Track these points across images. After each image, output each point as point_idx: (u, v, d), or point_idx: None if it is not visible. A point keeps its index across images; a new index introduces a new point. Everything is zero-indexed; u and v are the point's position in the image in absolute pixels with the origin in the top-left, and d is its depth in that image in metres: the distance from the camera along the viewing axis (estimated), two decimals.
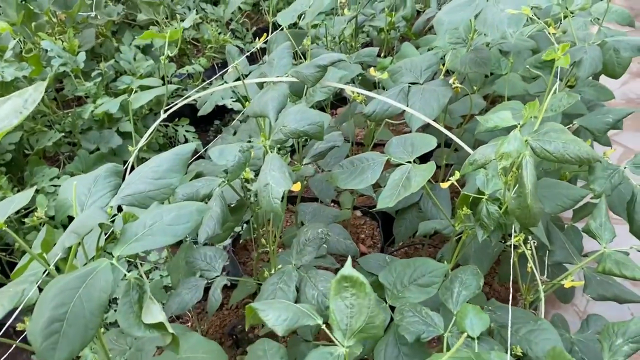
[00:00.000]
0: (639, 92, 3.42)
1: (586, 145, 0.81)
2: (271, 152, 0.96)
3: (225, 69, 1.77)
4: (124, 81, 2.48)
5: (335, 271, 1.63)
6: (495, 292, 1.78)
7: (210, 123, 3.08)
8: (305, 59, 1.56)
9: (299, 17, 1.48)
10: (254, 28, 3.51)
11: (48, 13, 2.54)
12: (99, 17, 2.76)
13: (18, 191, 1.98)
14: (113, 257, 0.68)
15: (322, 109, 2.48)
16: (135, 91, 1.30)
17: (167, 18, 3.22)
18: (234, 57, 1.74)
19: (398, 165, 1.03)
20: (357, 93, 1.54)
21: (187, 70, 2.86)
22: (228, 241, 2.11)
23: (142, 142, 1.29)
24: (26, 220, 1.86)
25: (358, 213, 2.03)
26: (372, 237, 1.98)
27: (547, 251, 1.20)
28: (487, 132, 1.36)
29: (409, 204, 1.53)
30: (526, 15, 1.11)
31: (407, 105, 1.36)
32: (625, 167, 1.22)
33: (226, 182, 1.02)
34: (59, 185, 2.01)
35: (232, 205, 1.22)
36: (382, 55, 2.20)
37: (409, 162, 1.03)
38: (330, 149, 1.27)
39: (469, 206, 1.04)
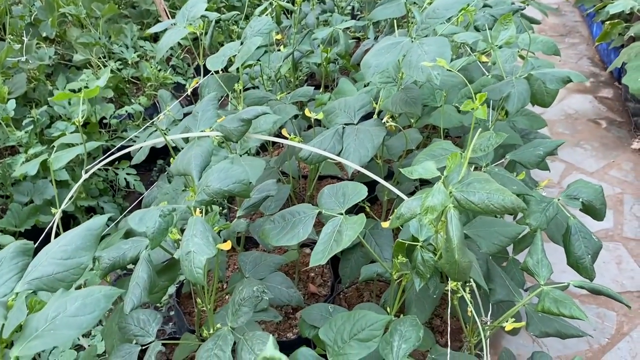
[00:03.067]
0: (576, 107, 3.52)
1: (511, 195, 0.80)
2: (195, 214, 0.92)
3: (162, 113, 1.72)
4: (59, 127, 2.40)
5: (278, 325, 1.57)
6: (445, 325, 1.76)
7: (153, 162, 3.01)
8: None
9: (229, 61, 1.45)
10: (196, 63, 3.47)
11: None
12: (29, 61, 2.67)
13: None
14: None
15: (264, 148, 2.45)
16: (56, 150, 1.23)
17: (103, 57, 3.15)
18: (166, 102, 1.70)
19: (330, 217, 1.00)
20: (293, 135, 1.51)
21: (126, 111, 2.79)
22: (172, 289, 2.04)
23: (64, 204, 1.22)
24: None
25: (307, 250, 2.00)
26: (322, 275, 1.95)
27: (489, 289, 1.18)
28: None
29: (353, 244, 1.50)
30: (449, 58, 1.11)
31: (342, 147, 1.35)
32: (559, 199, 1.23)
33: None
34: None
35: (164, 264, 1.17)
36: (322, 89, 2.19)
37: (341, 213, 1.00)
38: (265, 198, 1.23)
39: (405, 253, 1.02)
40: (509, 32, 1.32)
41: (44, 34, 3.15)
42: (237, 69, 1.43)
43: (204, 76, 1.62)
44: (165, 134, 1.60)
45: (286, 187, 1.58)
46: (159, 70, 3.12)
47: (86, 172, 1.20)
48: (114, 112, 2.80)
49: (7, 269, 0.78)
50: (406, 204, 0.85)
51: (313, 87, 1.74)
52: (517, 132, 1.57)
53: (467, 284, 1.07)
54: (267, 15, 1.64)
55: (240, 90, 1.46)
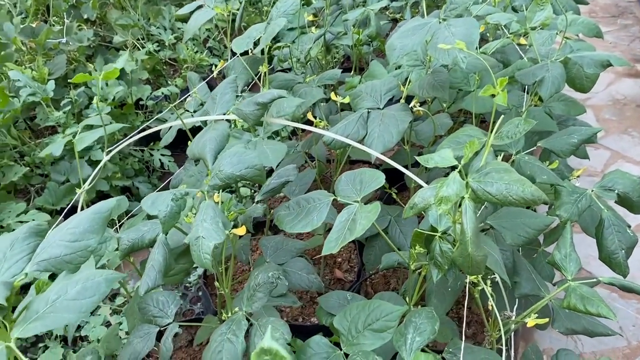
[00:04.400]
0: (625, 92, 3.36)
1: (531, 185, 0.75)
2: (208, 199, 0.91)
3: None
4: (95, 108, 2.44)
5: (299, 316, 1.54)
6: (475, 315, 1.72)
7: (187, 144, 3.03)
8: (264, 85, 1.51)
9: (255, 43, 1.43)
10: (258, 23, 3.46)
11: (16, 41, 2.50)
12: (70, 43, 2.72)
13: None
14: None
15: (294, 132, 2.43)
16: (81, 131, 1.25)
17: (142, 39, 3.18)
18: (195, 84, 1.70)
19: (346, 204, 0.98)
20: (319, 119, 1.49)
21: (162, 92, 2.82)
22: (200, 270, 2.06)
23: (87, 185, 1.23)
24: None
25: None
26: (348, 261, 1.93)
27: (515, 282, 1.14)
28: None
29: (377, 231, 1.47)
30: (477, 41, 1.06)
31: (366, 132, 1.32)
32: (592, 190, 1.17)
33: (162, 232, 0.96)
34: (26, 221, 1.97)
35: (183, 246, 1.17)
36: (354, 72, 2.15)
37: (357, 201, 0.97)
38: (284, 184, 1.21)
39: (423, 243, 0.99)
40: (545, 13, 1.25)
41: (85, 16, 3.20)
42: (262, 50, 1.41)
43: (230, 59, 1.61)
44: (192, 115, 1.59)
45: (311, 172, 1.56)
46: (196, 52, 3.13)
47: (108, 154, 1.20)
48: (151, 93, 2.83)
49: (18, 249, 0.79)
50: (420, 193, 0.81)
51: (341, 70, 1.70)
52: (553, 118, 1.49)
53: (489, 277, 1.03)
54: None
55: (265, 73, 1.44)
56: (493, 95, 0.94)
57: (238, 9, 1.65)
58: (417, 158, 0.83)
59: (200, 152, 0.98)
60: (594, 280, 1.03)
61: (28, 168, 2.12)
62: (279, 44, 1.77)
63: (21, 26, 2.47)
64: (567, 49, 1.38)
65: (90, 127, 1.29)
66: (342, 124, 1.33)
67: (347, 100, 1.45)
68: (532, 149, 1.25)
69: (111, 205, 0.79)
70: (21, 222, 1.93)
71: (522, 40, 1.61)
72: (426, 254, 0.99)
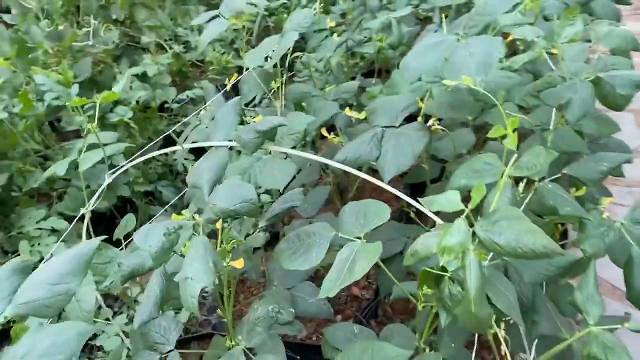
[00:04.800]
0: None
1: (543, 237, 0.68)
2: (202, 232, 0.87)
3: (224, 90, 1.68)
4: (118, 112, 2.43)
5: (298, 345, 1.49)
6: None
7: None
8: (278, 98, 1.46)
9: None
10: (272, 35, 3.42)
11: (42, 45, 2.51)
12: (96, 45, 2.72)
13: (3, 236, 1.95)
14: None
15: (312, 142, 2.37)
16: (86, 150, 1.22)
17: (169, 40, 3.17)
18: (210, 95, 1.66)
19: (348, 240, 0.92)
20: (333, 136, 1.43)
21: (187, 95, 2.80)
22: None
23: (91, 206, 1.20)
24: None
25: None
26: (367, 277, 1.87)
27: (533, 321, 1.06)
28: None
29: (393, 253, 1.41)
30: (496, 62, 0.99)
31: (380, 153, 1.25)
32: (622, 223, 1.08)
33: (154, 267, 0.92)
34: (44, 229, 1.97)
35: None
36: (375, 79, 2.08)
37: (359, 237, 0.91)
38: (289, 209, 1.16)
39: (432, 283, 0.92)
40: (575, 29, 1.16)
41: (114, 16, 3.21)
42: (275, 64, 1.36)
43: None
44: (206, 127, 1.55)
45: (325, 188, 1.50)
46: (222, 53, 3.10)
47: (112, 174, 1.17)
48: (176, 96, 2.81)
49: (0, 288, 0.76)
50: (422, 240, 0.75)
51: (364, 76, 1.64)
52: (584, 137, 1.40)
53: (503, 319, 0.95)
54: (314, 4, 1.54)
55: (278, 87, 1.39)
56: (504, 137, 0.87)
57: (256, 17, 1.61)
58: (420, 200, 0.77)
59: (197, 182, 0.93)
60: (618, 324, 0.95)
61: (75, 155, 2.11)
62: (296, 54, 1.72)
63: (47, 30, 2.48)
64: (599, 64, 1.28)
65: (96, 146, 1.26)
66: (354, 143, 1.27)
67: (362, 115, 1.39)
68: (557, 176, 1.16)
69: (94, 246, 0.75)
70: (40, 228, 1.94)
71: (555, 50, 1.51)
72: (435, 294, 0.93)
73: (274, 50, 1.33)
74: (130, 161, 1.28)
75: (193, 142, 1.08)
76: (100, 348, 1.87)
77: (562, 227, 1.28)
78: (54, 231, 1.97)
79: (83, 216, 2.06)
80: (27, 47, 2.51)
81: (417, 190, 2.00)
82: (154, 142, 1.30)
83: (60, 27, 2.76)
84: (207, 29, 1.47)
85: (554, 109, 1.41)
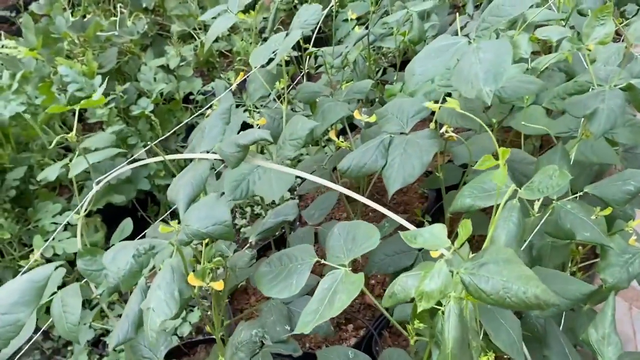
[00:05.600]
0: None
1: (537, 285, 0.58)
2: (174, 255, 0.81)
3: None
4: (141, 104, 2.41)
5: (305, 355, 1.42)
6: None
7: None
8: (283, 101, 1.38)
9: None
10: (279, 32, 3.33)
11: (67, 35, 2.50)
12: (122, 35, 2.70)
13: (21, 229, 1.95)
14: None
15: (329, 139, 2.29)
16: (78, 155, 1.18)
17: (199, 29, 3.12)
18: (220, 93, 1.60)
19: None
20: (342, 139, 1.36)
21: (212, 87, 2.75)
22: None
23: (83, 212, 1.17)
24: (21, 262, 1.83)
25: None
26: (382, 284, 1.79)
27: (544, 356, 0.96)
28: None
29: (402, 267, 1.32)
30: (508, 70, 0.88)
31: (386, 162, 1.17)
32: None
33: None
34: (60, 223, 1.97)
35: None
36: (397, 75, 1.97)
37: (343, 265, 0.84)
38: (282, 223, 1.09)
39: (426, 317, 0.84)
40: (605, 30, 1.04)
41: (144, 5, 3.19)
42: (280, 65, 1.28)
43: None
44: None
45: (333, 194, 1.42)
46: (250, 43, 3.03)
47: (97, 183, 1.13)
48: (202, 86, 2.77)
49: None
50: (401, 281, 0.67)
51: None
52: (616, 146, 1.27)
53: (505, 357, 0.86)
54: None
55: (283, 88, 1.31)
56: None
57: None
58: (401, 234, 0.68)
59: (175, 198, 0.87)
60: None
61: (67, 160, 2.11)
62: (310, 50, 1.63)
63: (71, 20, 2.47)
64: (636, 67, 1.16)
65: (90, 150, 1.22)
66: (360, 150, 1.19)
67: (373, 119, 1.30)
68: (580, 194, 1.04)
69: (47, 274, 0.70)
70: (55, 223, 1.93)
71: (591, 46, 1.38)
72: (429, 329, 0.84)
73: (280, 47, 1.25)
74: (111, 173, 1.23)
75: (179, 154, 1.01)
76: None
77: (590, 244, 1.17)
78: (69, 226, 1.97)
79: (96, 211, 2.05)
80: (53, 38, 2.50)
81: (435, 196, 1.90)
82: (122, 165, 1.24)
83: (88, 16, 2.75)
84: (213, 25, 1.40)
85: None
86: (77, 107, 1.03)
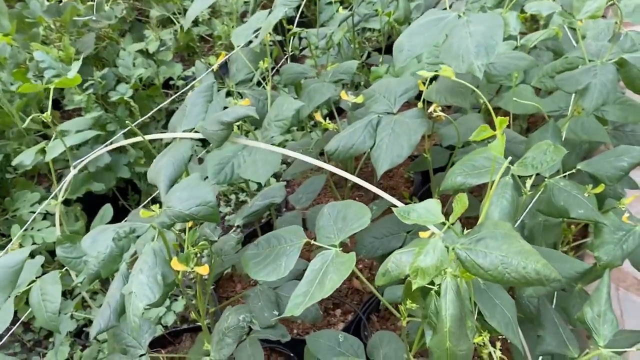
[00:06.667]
0: None
1: (537, 260, 0.56)
2: (155, 239, 0.77)
3: None
4: (120, 90, 2.35)
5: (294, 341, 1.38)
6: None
7: None
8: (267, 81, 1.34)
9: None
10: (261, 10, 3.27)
11: (42, 20, 2.42)
12: (100, 20, 2.63)
13: None
14: None
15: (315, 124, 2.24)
16: (54, 138, 1.13)
17: (178, 13, 3.05)
18: (201, 74, 1.55)
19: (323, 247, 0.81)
20: (328, 121, 1.33)
21: (192, 72, 2.70)
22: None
23: (61, 197, 1.12)
24: None
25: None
26: (370, 269, 1.77)
27: (538, 336, 0.95)
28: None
29: (391, 250, 1.29)
30: (500, 43, 0.85)
31: (374, 143, 1.14)
32: None
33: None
34: (38, 212, 1.91)
35: None
36: (382, 57, 1.94)
37: (334, 245, 0.81)
38: (269, 206, 1.06)
39: (418, 297, 0.81)
40: (597, 3, 1.01)
41: None
42: (263, 41, 1.24)
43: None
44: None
45: (321, 177, 1.39)
46: (232, 27, 2.98)
47: (75, 167, 1.09)
48: (182, 72, 2.72)
49: None
50: (395, 258, 0.64)
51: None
52: (606, 124, 1.26)
53: (500, 337, 0.84)
54: None
55: (267, 68, 1.27)
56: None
57: None
58: (394, 210, 0.65)
59: (155, 179, 0.84)
60: (630, 347, 0.83)
61: (43, 143, 2.05)
62: (294, 30, 1.59)
63: (47, 4, 2.40)
64: (626, 43, 1.14)
65: (67, 134, 1.17)
66: (347, 131, 1.16)
67: (360, 99, 1.27)
68: (572, 171, 1.02)
69: (22, 258, 0.66)
70: (33, 212, 1.88)
71: (580, 23, 1.36)
72: (420, 309, 0.82)
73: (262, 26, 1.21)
74: (87, 158, 1.19)
75: (158, 134, 0.97)
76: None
77: (581, 224, 1.15)
78: (49, 215, 1.92)
79: (76, 200, 2.00)
80: (28, 23, 2.43)
81: (423, 178, 1.88)
82: (103, 146, 1.20)
83: (64, 0, 2.67)
84: (193, 4, 1.36)
85: (573, 96, 1.27)
86: (51, 87, 0.98)
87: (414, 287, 0.59)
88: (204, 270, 0.85)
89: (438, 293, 0.76)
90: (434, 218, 0.62)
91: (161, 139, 2.52)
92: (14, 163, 1.21)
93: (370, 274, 1.74)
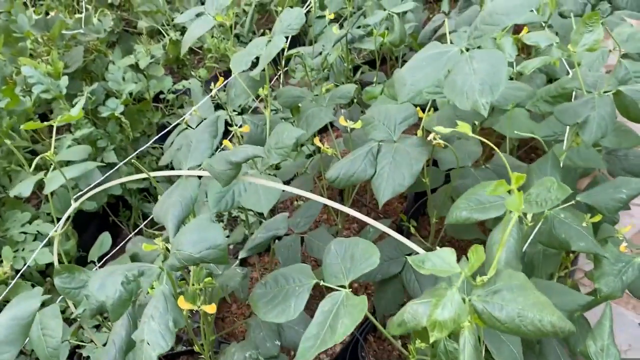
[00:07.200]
0: None
1: (553, 313, 0.57)
2: (161, 284, 0.77)
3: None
4: (109, 106, 2.33)
5: None
6: None
7: None
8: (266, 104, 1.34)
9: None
10: (262, 30, 3.28)
11: (30, 34, 2.39)
12: (89, 33, 2.60)
13: None
14: None
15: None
16: (53, 168, 1.12)
17: (167, 25, 3.04)
18: (197, 96, 1.55)
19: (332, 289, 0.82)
20: (327, 146, 1.33)
21: (183, 86, 2.69)
22: None
23: (60, 230, 1.11)
24: None
25: None
26: (366, 288, 1.77)
27: None
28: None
29: (390, 275, 1.30)
30: (504, 81, 0.87)
31: (375, 171, 1.14)
32: None
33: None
34: (29, 233, 1.89)
35: None
36: (376, 77, 1.95)
37: (343, 286, 0.81)
38: (272, 237, 1.06)
39: (426, 337, 0.82)
40: (594, 36, 1.03)
41: (110, 0, 3.09)
42: (263, 70, 1.24)
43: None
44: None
45: (318, 202, 1.39)
46: (222, 39, 2.97)
47: (76, 200, 1.08)
48: (173, 85, 2.70)
49: None
50: (411, 308, 0.65)
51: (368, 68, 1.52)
52: (600, 150, 1.28)
53: None
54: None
55: (266, 95, 1.28)
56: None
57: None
58: (409, 259, 0.66)
59: (163, 219, 0.83)
60: None
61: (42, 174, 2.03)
62: (291, 52, 1.59)
63: (34, 17, 2.37)
64: (621, 72, 1.16)
65: (66, 164, 1.16)
66: (348, 159, 1.16)
67: (358, 125, 1.27)
68: (570, 203, 1.04)
69: (34, 309, 0.65)
70: (25, 232, 1.85)
71: (571, 47, 1.38)
72: (430, 348, 0.83)
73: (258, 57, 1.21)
74: (88, 191, 1.18)
75: (162, 172, 0.97)
76: (87, 358, 1.80)
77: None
78: (39, 235, 1.89)
79: (69, 218, 1.97)
80: (15, 37, 2.39)
81: (418, 199, 1.89)
82: (90, 187, 1.19)
83: (51, 14, 2.64)
84: (190, 30, 1.35)
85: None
86: (54, 124, 0.97)
87: (432, 340, 0.59)
88: (211, 309, 0.85)
89: (448, 334, 0.77)
90: (450, 268, 0.63)
91: (153, 156, 2.51)
92: (12, 194, 1.19)
93: (366, 293, 1.75)
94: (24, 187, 1.13)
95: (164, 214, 0.83)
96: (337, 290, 0.80)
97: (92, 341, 1.81)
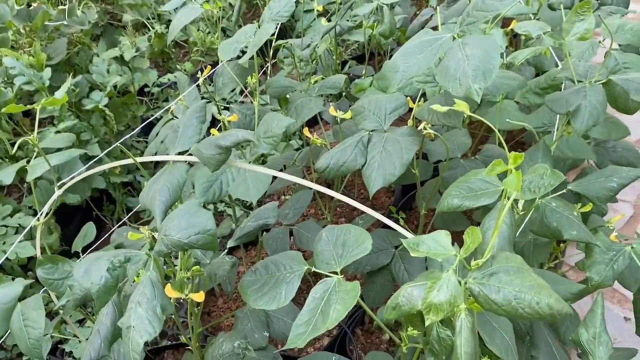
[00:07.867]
0: None
1: (550, 295, 0.56)
2: (151, 269, 0.75)
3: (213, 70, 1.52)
4: (93, 98, 2.29)
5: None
6: None
7: None
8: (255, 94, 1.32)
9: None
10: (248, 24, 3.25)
11: (11, 25, 2.34)
12: (72, 25, 2.56)
13: None
14: None
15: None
16: (36, 156, 1.09)
17: (152, 18, 3.00)
18: (184, 87, 1.52)
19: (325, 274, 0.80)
20: (316, 136, 1.31)
21: (168, 79, 2.65)
22: None
23: (43, 218, 1.08)
24: None
25: None
26: (355, 278, 1.76)
27: (531, 356, 0.95)
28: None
29: (379, 266, 1.29)
30: (497, 67, 0.86)
31: (366, 161, 1.13)
32: (632, 247, 0.97)
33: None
34: (10, 226, 1.85)
35: None
36: (365, 70, 1.94)
37: (335, 272, 0.80)
38: (262, 226, 1.04)
39: (419, 324, 0.81)
40: (585, 25, 1.03)
41: None
42: (252, 58, 1.22)
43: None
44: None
45: (307, 193, 1.38)
46: (208, 33, 2.94)
47: (59, 188, 1.05)
48: (157, 78, 2.67)
49: None
50: (405, 291, 0.63)
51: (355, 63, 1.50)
52: (589, 141, 1.28)
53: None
54: None
55: (254, 83, 1.26)
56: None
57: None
58: (403, 241, 0.64)
59: (150, 205, 0.81)
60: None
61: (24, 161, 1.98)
62: (280, 42, 1.58)
63: (16, 8, 2.32)
64: (611, 62, 1.16)
65: (49, 151, 1.13)
66: (338, 149, 1.15)
67: (348, 115, 1.26)
68: (562, 191, 1.03)
69: (16, 293, 0.63)
70: (6, 226, 1.81)
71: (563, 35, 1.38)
72: (422, 336, 0.81)
73: (248, 43, 1.19)
74: (71, 179, 1.16)
75: (147, 157, 0.95)
76: (70, 354, 1.76)
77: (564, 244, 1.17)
78: (20, 228, 1.86)
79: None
80: None
81: (407, 191, 1.88)
82: (71, 177, 1.16)
83: (34, 5, 2.59)
84: (176, 17, 1.33)
85: (558, 117, 1.29)
86: (37, 107, 0.95)
87: (427, 323, 0.58)
88: (199, 297, 0.83)
89: (441, 321, 0.75)
90: (444, 251, 0.61)
91: (137, 150, 2.47)
92: None
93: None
94: (5, 175, 1.10)
95: (150, 200, 0.81)
96: (328, 276, 0.78)
97: (75, 336, 1.77)
